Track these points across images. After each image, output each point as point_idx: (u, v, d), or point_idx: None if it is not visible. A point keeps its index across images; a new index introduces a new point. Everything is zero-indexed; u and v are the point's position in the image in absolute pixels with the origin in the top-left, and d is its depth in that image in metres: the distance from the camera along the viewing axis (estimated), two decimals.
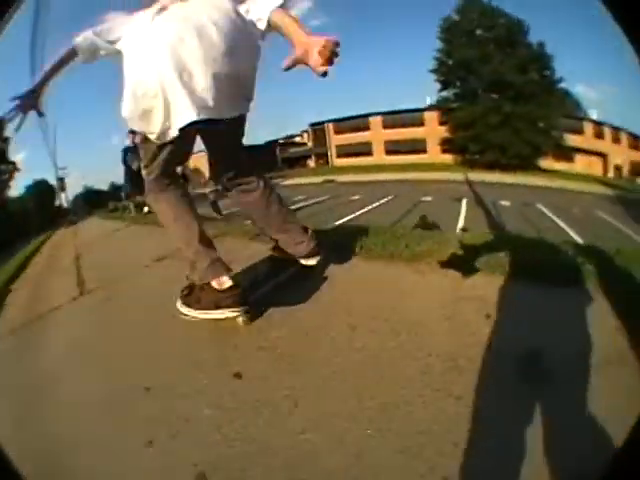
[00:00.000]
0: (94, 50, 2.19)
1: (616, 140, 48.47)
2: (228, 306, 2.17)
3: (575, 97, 56.02)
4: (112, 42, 2.13)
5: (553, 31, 62.87)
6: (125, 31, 2.12)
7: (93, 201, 20.48)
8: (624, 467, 1.08)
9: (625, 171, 47.67)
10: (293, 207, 15.68)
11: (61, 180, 24.53)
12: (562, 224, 12.58)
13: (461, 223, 11.04)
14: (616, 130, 48.30)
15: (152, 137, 2.08)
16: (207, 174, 14.77)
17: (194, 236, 2.31)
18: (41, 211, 21.36)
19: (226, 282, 2.22)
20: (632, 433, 1.19)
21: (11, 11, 1.50)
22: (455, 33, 39.09)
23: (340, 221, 11.39)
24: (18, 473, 1.22)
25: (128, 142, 12.07)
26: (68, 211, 24.56)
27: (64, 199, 25.47)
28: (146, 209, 12.95)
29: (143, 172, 2.36)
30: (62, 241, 12.30)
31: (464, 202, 15.56)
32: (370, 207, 14.19)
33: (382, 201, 15.78)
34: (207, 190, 12.56)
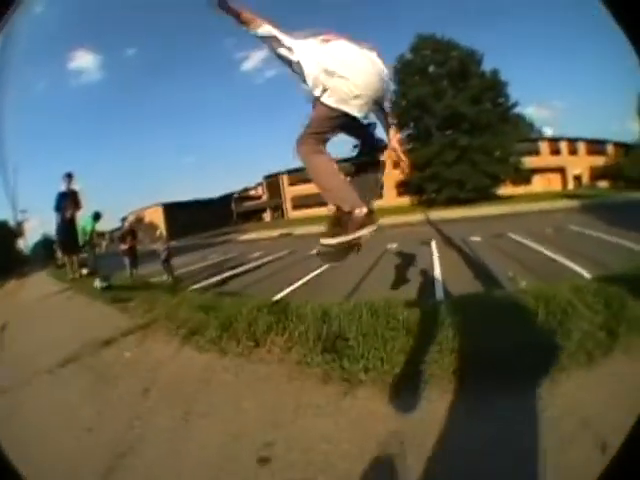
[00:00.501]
0: (274, 42, 2.54)
1: (573, 152, 50.10)
2: (370, 224, 2.63)
3: (528, 119, 58.16)
4: (288, 48, 2.51)
5: (504, 55, 66.18)
6: (296, 46, 2.51)
7: (51, 251, 17.85)
8: (624, 467, 1.24)
9: (585, 178, 49.39)
10: (251, 265, 14.74)
11: (19, 224, 22.79)
12: (539, 248, 11.92)
13: (437, 268, 10.12)
14: (573, 141, 50.00)
15: (346, 108, 2.37)
16: (161, 229, 13.52)
17: (344, 180, 2.85)
18: None
19: (365, 209, 2.61)
20: (632, 433, 1.45)
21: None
22: (408, 72, 39.44)
23: (304, 279, 10.47)
24: (18, 473, 1.61)
25: (62, 188, 11.28)
26: (27, 259, 22.89)
27: (23, 245, 23.72)
28: (85, 271, 11.71)
29: (309, 132, 2.53)
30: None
31: (433, 244, 14.61)
32: None
33: None
34: (159, 247, 11.90)
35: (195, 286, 11.12)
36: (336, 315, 4.32)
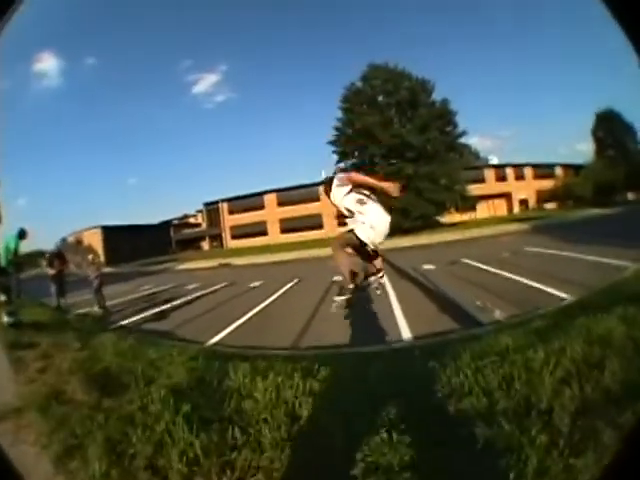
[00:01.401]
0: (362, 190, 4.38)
1: (519, 177, 52.20)
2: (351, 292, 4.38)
3: (474, 149, 60.14)
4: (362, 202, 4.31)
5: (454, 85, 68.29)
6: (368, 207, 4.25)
7: None
8: (624, 467, 1.20)
9: (532, 201, 51.40)
10: (187, 297, 13.58)
11: None
12: (500, 272, 11.46)
13: (394, 302, 9.31)
14: (519, 167, 52.10)
15: (368, 241, 4.19)
16: (95, 254, 12.00)
17: (350, 267, 4.37)
18: None
19: (351, 285, 4.38)
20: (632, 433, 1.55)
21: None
22: (357, 101, 39.42)
23: (245, 318, 9.35)
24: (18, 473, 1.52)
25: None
26: None
27: None
28: (2, 298, 10.22)
29: (342, 242, 4.47)
30: None
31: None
32: (276, 295, 12.25)
33: (288, 286, 13.92)
34: (92, 274, 11.32)
35: (122, 322, 10.10)
36: None
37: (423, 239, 29.16)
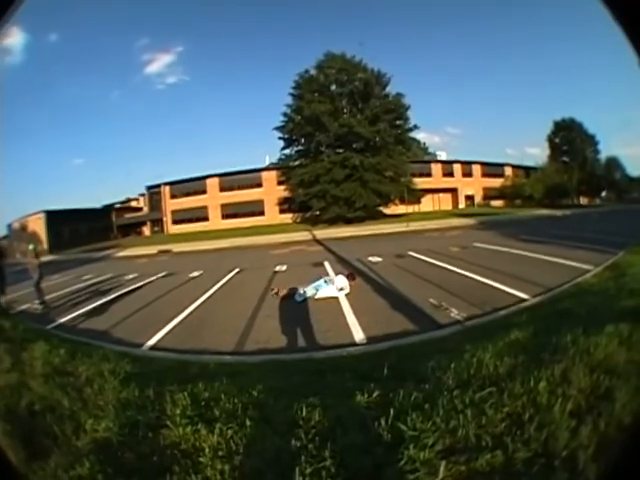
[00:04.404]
0: None
1: (467, 174, 53.69)
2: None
3: (423, 144, 61.37)
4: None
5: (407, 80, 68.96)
6: None
7: None
8: (624, 467, 1.16)
9: (478, 198, 53.32)
10: (127, 289, 12.51)
11: None
12: (450, 267, 11.38)
13: (342, 298, 8.79)
14: (467, 164, 53.69)
15: None
16: (34, 244, 10.92)
17: None
18: None
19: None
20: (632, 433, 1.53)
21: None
22: (309, 88, 38.93)
23: (184, 314, 8.69)
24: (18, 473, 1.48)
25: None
26: None
27: None
28: None
29: None
30: None
31: (327, 266, 13.51)
32: (217, 287, 11.54)
33: (228, 277, 13.21)
34: (32, 265, 10.95)
35: (60, 320, 9.28)
36: None
37: (367, 229, 28.97)
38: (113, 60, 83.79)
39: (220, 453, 2.34)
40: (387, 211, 40.64)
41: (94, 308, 10.46)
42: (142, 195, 60.52)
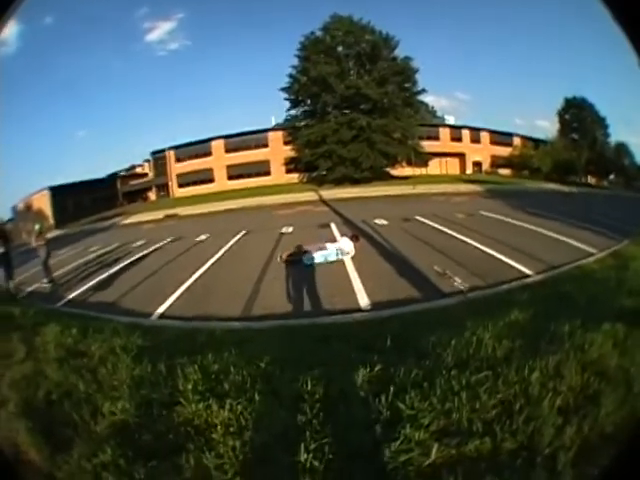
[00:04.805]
0: None
1: (475, 140, 52.71)
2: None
3: (431, 107, 60.09)
4: None
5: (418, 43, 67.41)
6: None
7: None
8: (624, 467, 1.19)
9: (486, 165, 52.52)
10: (134, 257, 12.63)
11: None
12: (456, 235, 11.37)
13: (348, 262, 8.92)
14: (475, 130, 52.61)
15: None
16: (41, 223, 11.08)
17: None
18: None
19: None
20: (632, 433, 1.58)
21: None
22: (315, 50, 38.09)
23: (191, 280, 8.84)
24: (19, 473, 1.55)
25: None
26: None
27: None
28: None
29: None
30: None
31: (334, 228, 13.63)
32: (223, 251, 11.67)
33: (234, 240, 13.29)
34: (39, 244, 10.69)
35: (70, 297, 9.30)
36: None
37: (373, 190, 28.82)
38: (113, 32, 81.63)
39: (231, 429, 2.49)
40: (394, 173, 40.26)
41: (102, 280, 10.53)
42: (147, 161, 59.97)
